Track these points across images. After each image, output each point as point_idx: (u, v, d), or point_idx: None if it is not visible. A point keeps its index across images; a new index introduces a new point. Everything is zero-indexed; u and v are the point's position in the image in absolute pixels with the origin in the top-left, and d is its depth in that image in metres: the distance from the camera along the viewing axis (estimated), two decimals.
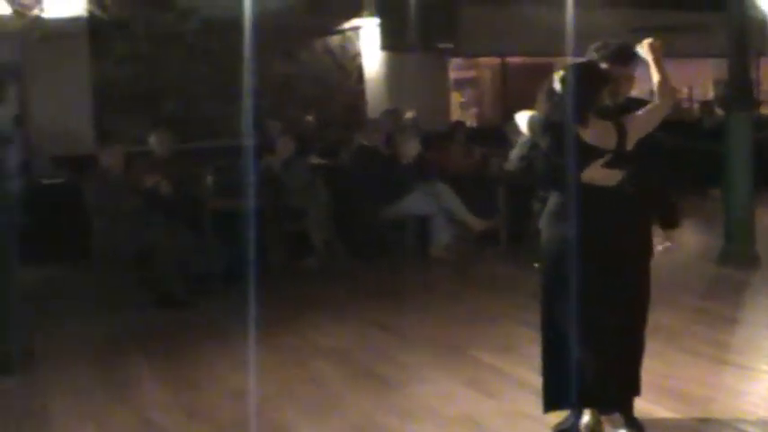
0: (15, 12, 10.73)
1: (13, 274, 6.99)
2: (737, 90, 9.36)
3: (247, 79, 10.14)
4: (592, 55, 5.11)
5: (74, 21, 11.43)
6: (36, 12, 10.96)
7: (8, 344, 6.76)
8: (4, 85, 11.02)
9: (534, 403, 5.49)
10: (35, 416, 5.87)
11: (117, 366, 6.85)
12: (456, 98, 16.98)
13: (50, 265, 9.63)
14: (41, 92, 11.30)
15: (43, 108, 11.38)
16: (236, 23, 9.67)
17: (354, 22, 13.57)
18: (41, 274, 8.31)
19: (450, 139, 12.30)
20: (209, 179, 9.84)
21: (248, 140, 9.93)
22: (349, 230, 10.51)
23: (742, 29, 9.34)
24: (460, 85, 17.30)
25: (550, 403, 5.10)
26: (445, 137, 12.53)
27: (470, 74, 17.67)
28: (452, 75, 16.80)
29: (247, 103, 11.14)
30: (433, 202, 10.37)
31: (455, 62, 16.63)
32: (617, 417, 5.09)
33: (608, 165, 4.75)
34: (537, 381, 5.88)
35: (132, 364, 6.90)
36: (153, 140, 9.68)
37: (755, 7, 15.14)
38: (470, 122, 16.16)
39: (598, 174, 4.77)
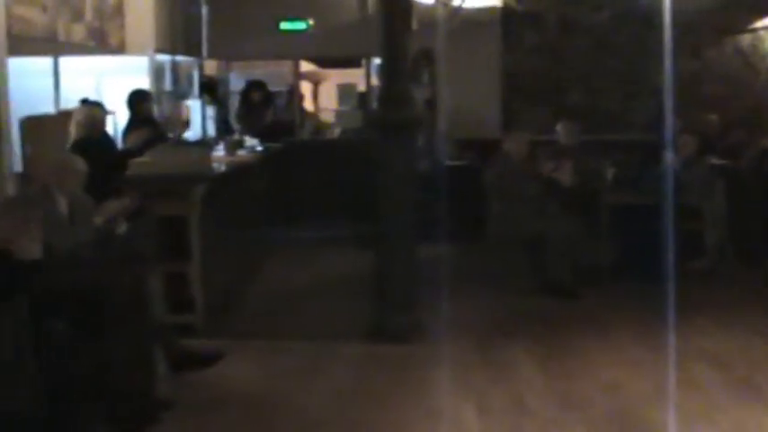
0: (439, 1, 11.31)
1: (414, 250, 7.43)
2: None
3: (658, 75, 10.06)
4: None
5: (488, 11, 11.89)
6: (457, 2, 11.50)
7: (406, 315, 7.24)
8: (420, 69, 11.66)
9: None
10: (415, 385, 6.25)
11: (498, 347, 7.12)
12: None
13: (448, 244, 10.09)
14: (453, 77, 11.78)
15: (454, 93, 11.86)
16: (646, 18, 9.67)
17: (766, 20, 13.07)
18: (438, 253, 8.69)
19: None
20: (610, 172, 9.88)
21: (647, 136, 9.89)
22: (743, 235, 10.19)
23: None
24: None
25: None
26: None
27: None
28: None
29: (647, 98, 11.09)
30: None
31: None
32: None
33: None
34: None
35: (513, 346, 7.12)
36: (560, 129, 9.89)
37: None
38: None
39: None
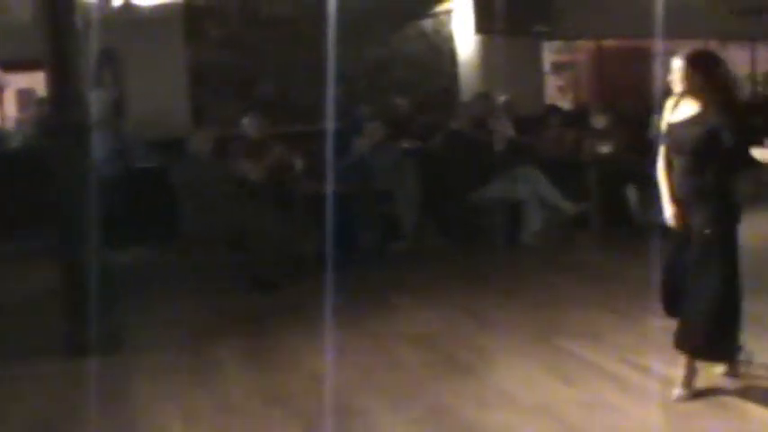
0: None
1: (99, 258, 7.07)
2: None
3: (335, 63, 10.14)
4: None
5: (170, 6, 11.59)
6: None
7: (101, 326, 6.87)
8: (102, 70, 11.22)
9: (614, 393, 5.45)
10: (117, 397, 5.96)
11: (201, 349, 6.92)
12: (555, 82, 16.86)
13: (140, 247, 9.80)
14: (138, 77, 11.46)
15: (140, 93, 11.53)
16: (330, 7, 9.70)
17: (447, 5, 13.51)
18: (131, 257, 8.43)
19: (544, 124, 12.17)
20: (300, 163, 9.86)
21: (337, 125, 9.96)
22: (440, 215, 10.49)
23: None
24: (558, 68, 17.15)
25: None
26: (539, 121, 12.41)
27: (568, 57, 17.51)
28: (551, 58, 16.69)
29: (336, 87, 11.17)
30: (524, 187, 10.27)
31: (554, 45, 16.50)
32: None
33: None
34: (619, 370, 5.87)
35: (216, 347, 6.95)
36: (246, 124, 9.78)
37: None
38: (566, 106, 15.96)
39: None
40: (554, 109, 13.26)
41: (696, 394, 5.40)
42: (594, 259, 9.75)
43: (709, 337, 5.30)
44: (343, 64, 12.32)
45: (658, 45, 14.79)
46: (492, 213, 10.40)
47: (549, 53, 16.53)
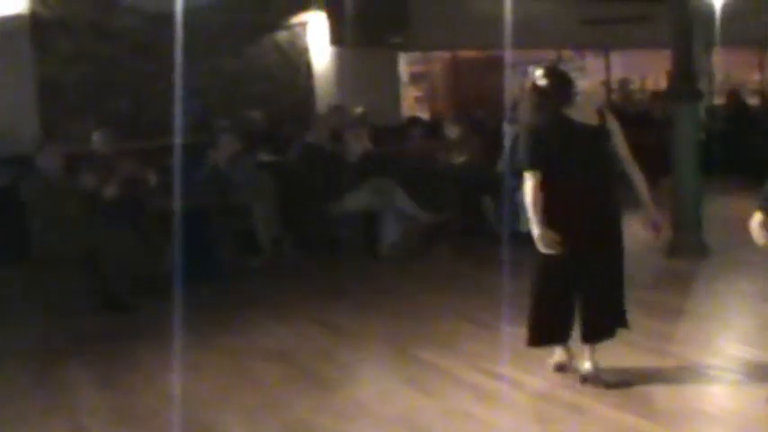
0: None
1: None
2: (682, 81, 9.34)
3: (186, 76, 10.00)
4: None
5: (15, 19, 11.26)
6: None
7: None
8: None
9: (471, 401, 5.50)
10: None
11: (53, 371, 6.73)
12: (412, 92, 16.97)
13: None
14: None
15: None
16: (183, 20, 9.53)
17: (302, 17, 13.49)
18: None
19: (403, 135, 12.24)
20: (154, 178, 9.69)
21: (193, 138, 9.84)
22: (297, 228, 10.44)
23: (685, 19, 9.32)
24: (415, 79, 17.27)
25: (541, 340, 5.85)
26: (397, 132, 12.47)
27: (425, 68, 17.67)
28: (409, 69, 16.80)
29: (191, 100, 11.04)
30: (380, 199, 10.29)
31: (411, 56, 16.62)
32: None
33: None
34: (476, 378, 5.93)
35: (69, 368, 6.78)
36: (96, 140, 9.56)
37: None
38: (424, 117, 16.09)
39: None
40: (414, 119, 13.35)
41: (553, 398, 5.49)
42: (451, 269, 9.83)
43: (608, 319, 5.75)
44: (199, 77, 12.19)
45: (511, 55, 15.11)
46: (349, 226, 10.41)
47: (406, 64, 16.66)
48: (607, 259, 5.70)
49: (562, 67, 6.05)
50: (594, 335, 5.74)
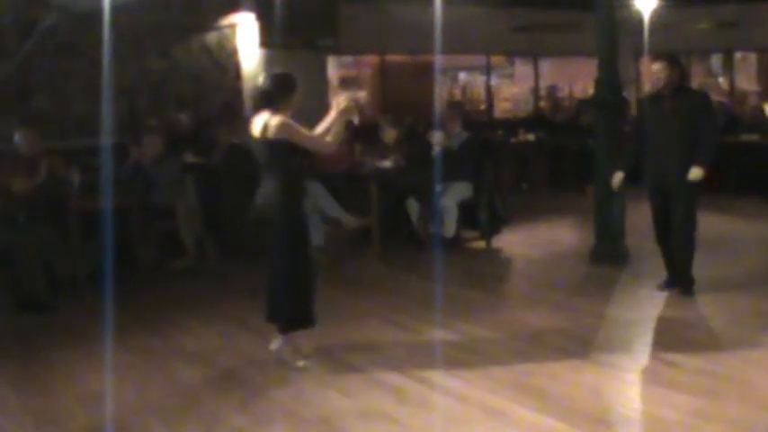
0: None
1: None
2: (606, 89, 9.43)
3: (113, 76, 9.92)
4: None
5: None
6: None
7: None
8: None
9: (392, 403, 5.51)
10: None
11: None
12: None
13: None
14: None
15: None
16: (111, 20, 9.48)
17: (232, 18, 13.43)
18: None
19: None
20: (77, 178, 9.57)
21: (115, 139, 9.74)
22: (220, 230, 10.39)
23: (611, 28, 9.42)
24: (346, 83, 17.29)
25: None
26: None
27: (354, 72, 17.70)
28: (338, 73, 16.83)
29: (115, 100, 10.93)
30: (306, 201, 10.23)
31: (342, 60, 16.64)
32: None
33: None
34: (395, 380, 5.95)
35: None
36: (17, 139, 9.42)
37: (629, 7, 15.45)
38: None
39: None
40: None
41: (472, 401, 5.53)
42: (374, 272, 9.84)
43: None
44: (126, 77, 12.08)
45: (440, 60, 15.20)
46: None
47: (336, 68, 16.68)
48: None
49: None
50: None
